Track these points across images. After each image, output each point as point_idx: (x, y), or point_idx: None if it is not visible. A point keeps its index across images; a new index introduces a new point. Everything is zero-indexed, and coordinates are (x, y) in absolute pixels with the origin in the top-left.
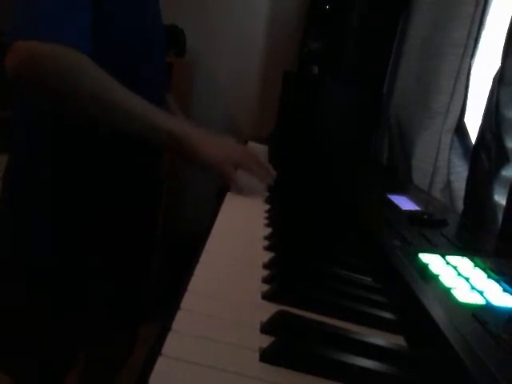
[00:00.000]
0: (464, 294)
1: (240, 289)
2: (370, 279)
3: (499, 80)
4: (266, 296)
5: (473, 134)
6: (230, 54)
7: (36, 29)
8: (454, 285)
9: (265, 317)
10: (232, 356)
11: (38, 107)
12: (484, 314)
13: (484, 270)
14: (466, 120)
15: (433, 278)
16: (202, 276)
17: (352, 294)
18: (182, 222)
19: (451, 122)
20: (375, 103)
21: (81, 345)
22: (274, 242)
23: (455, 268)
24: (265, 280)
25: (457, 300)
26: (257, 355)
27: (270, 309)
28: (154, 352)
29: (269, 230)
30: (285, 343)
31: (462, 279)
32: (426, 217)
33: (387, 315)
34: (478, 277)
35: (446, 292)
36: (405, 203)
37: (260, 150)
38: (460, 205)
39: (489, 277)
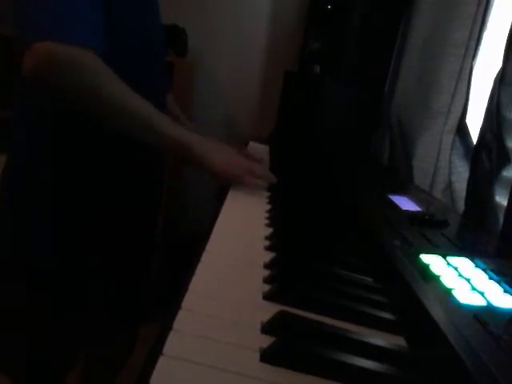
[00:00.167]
0: (465, 295)
1: (241, 289)
2: (370, 279)
3: (500, 80)
4: (267, 296)
5: (474, 134)
6: (231, 53)
7: (52, 30)
8: (454, 285)
9: (265, 317)
10: (232, 356)
11: (38, 107)
12: (485, 315)
13: (485, 270)
14: (467, 120)
15: (433, 279)
16: (203, 276)
17: (352, 294)
18: (182, 221)
19: (452, 122)
20: (375, 103)
21: (81, 345)
22: (275, 242)
23: (456, 269)
24: (265, 280)
25: (457, 301)
26: (257, 355)
27: (270, 309)
28: (155, 352)
29: (269, 230)
30: (285, 343)
31: (463, 280)
32: (426, 217)
33: (387, 315)
34: (479, 278)
35: (447, 293)
36: (405, 203)
37: (261, 149)
38: (461, 205)
39: (490, 278)
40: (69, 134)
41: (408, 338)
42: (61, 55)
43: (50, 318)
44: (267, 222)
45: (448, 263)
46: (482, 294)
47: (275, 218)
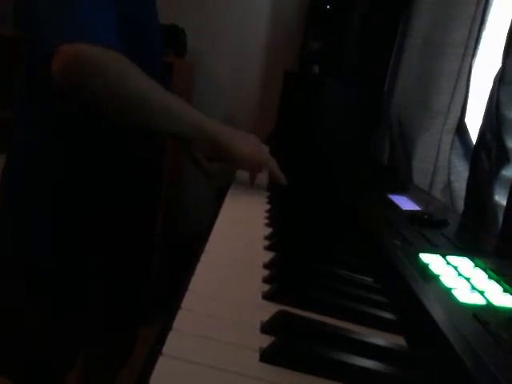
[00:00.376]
0: (464, 294)
1: (240, 289)
2: (370, 279)
3: (500, 80)
4: (267, 296)
5: (473, 134)
6: (231, 53)
7: (80, 32)
8: (454, 285)
9: (265, 317)
10: (232, 356)
11: (38, 107)
12: (484, 315)
13: (484, 270)
14: (466, 120)
15: (433, 278)
16: (203, 276)
17: (352, 294)
18: (182, 221)
19: (452, 122)
20: (375, 103)
21: (81, 345)
22: (275, 242)
23: (456, 268)
24: (265, 280)
25: (457, 300)
26: (257, 355)
27: (270, 309)
28: (155, 352)
29: (269, 230)
30: (285, 343)
31: (463, 279)
32: (426, 217)
33: (387, 315)
34: (479, 277)
35: (447, 292)
36: (405, 203)
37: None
38: (460, 205)
39: (489, 277)
40: (69, 134)
41: (408, 337)
42: (87, 56)
43: (49, 318)
44: (267, 221)
45: (448, 263)
46: (481, 293)
47: (275, 218)
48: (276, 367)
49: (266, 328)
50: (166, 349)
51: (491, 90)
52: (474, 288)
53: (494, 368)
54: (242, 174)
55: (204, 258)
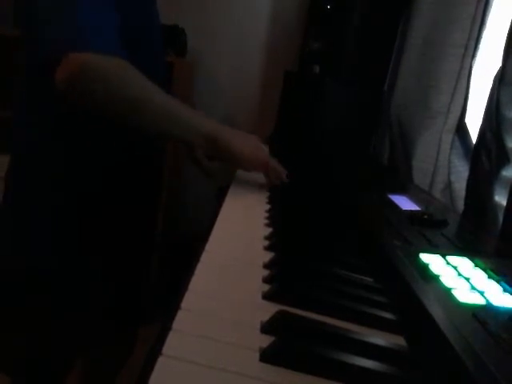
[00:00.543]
0: (464, 294)
1: (240, 289)
2: (370, 279)
3: (500, 80)
4: (267, 296)
5: (473, 134)
6: (231, 53)
7: (83, 40)
8: (454, 285)
9: (265, 317)
10: (232, 356)
11: (38, 107)
12: (484, 314)
13: (484, 270)
14: (466, 120)
15: (433, 278)
16: (203, 276)
17: (352, 294)
18: (182, 221)
19: (452, 122)
20: (375, 103)
21: (81, 345)
22: (275, 242)
23: (456, 268)
24: (265, 280)
25: (457, 300)
26: (257, 355)
27: (270, 309)
28: (155, 352)
29: (269, 230)
30: (285, 343)
31: (463, 279)
32: (426, 217)
33: (387, 315)
34: (479, 277)
35: (447, 292)
36: (405, 203)
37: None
38: (460, 205)
39: (489, 277)
40: (69, 134)
41: (408, 337)
42: (93, 64)
43: (49, 318)
44: (267, 221)
45: (447, 263)
46: (481, 293)
47: (275, 218)
48: (276, 367)
49: (266, 328)
50: (165, 349)
51: (491, 90)
52: (473, 288)
53: (494, 368)
54: (242, 174)
55: (204, 257)
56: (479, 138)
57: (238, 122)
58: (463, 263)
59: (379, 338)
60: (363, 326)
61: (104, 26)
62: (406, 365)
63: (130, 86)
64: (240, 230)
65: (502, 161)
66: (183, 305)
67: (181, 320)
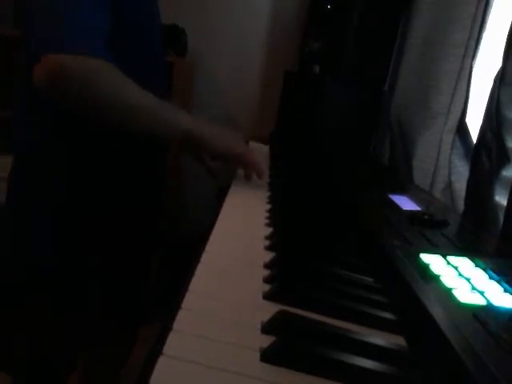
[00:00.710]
0: (465, 295)
1: (241, 289)
2: (370, 279)
3: (500, 80)
4: (267, 296)
5: (474, 134)
6: (231, 53)
7: (65, 42)
8: (454, 285)
9: (265, 317)
10: (233, 356)
11: (38, 107)
12: (485, 315)
13: (485, 270)
14: (467, 120)
15: (433, 279)
16: (203, 276)
17: (352, 294)
18: (182, 221)
19: (452, 122)
20: (375, 103)
21: (81, 345)
22: (275, 242)
23: (456, 268)
24: (266, 280)
25: (457, 300)
26: (257, 355)
27: (270, 309)
28: (155, 352)
29: (269, 230)
30: (285, 343)
31: (463, 279)
32: (426, 217)
33: (387, 315)
34: (479, 277)
35: (447, 292)
36: (405, 203)
37: (262, 149)
38: (461, 205)
39: (490, 277)
40: (69, 133)
41: (408, 337)
42: (75, 66)
43: (51, 317)
44: (267, 221)
45: (448, 263)
46: (481, 293)
47: (275, 218)
48: (276, 367)
49: (267, 328)
50: (166, 349)
51: (491, 91)
52: (474, 288)
53: (494, 368)
54: (243, 174)
55: (204, 258)
56: (479, 138)
57: (238, 122)
58: (464, 263)
59: (379, 338)
60: (363, 326)
61: (91, 27)
62: (406, 365)
63: (107, 86)
64: (240, 230)
65: (503, 161)
66: (184, 305)
67: (181, 320)
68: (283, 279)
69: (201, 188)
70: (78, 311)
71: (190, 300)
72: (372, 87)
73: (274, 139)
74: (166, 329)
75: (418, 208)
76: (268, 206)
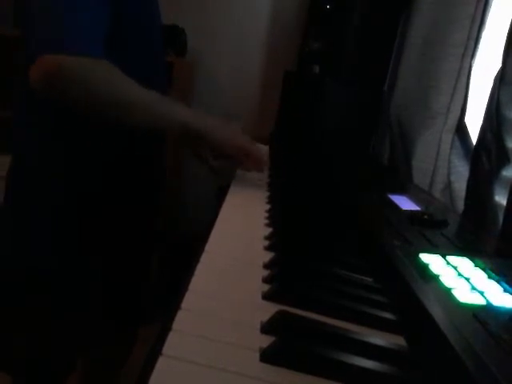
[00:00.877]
0: (464, 295)
1: (240, 289)
2: (370, 279)
3: (500, 80)
4: (267, 296)
5: (473, 134)
6: (231, 53)
7: (63, 42)
8: (454, 285)
9: (265, 317)
10: (232, 356)
11: (38, 107)
12: (484, 315)
13: (484, 270)
14: (466, 120)
15: (433, 278)
16: (203, 276)
17: (352, 294)
18: (182, 221)
19: (452, 122)
20: (375, 103)
21: (81, 345)
22: (275, 242)
23: (456, 268)
24: (265, 280)
25: (457, 300)
26: (257, 355)
27: (270, 309)
28: (155, 352)
29: (269, 230)
30: (285, 343)
31: (463, 279)
32: (426, 217)
33: (387, 315)
34: (479, 277)
35: (447, 292)
36: (405, 203)
37: (262, 149)
38: (460, 205)
39: (489, 277)
40: (69, 133)
41: (408, 337)
42: (73, 66)
43: (49, 318)
44: (267, 221)
45: (447, 263)
46: (481, 293)
47: (275, 218)
48: (276, 367)
49: (266, 328)
50: (165, 349)
51: (491, 90)
52: (473, 288)
53: (494, 368)
54: (243, 174)
55: (204, 258)
56: (479, 138)
57: (238, 122)
58: (463, 263)
59: (379, 338)
60: (363, 326)
61: (90, 27)
62: (406, 365)
63: (105, 86)
64: (240, 230)
65: (502, 161)
66: (183, 305)
67: (181, 320)
68: (283, 279)
69: (201, 188)
70: (78, 311)
71: (189, 300)
72: (372, 87)
73: (273, 139)
74: (165, 329)
75: (417, 208)
76: (268, 206)
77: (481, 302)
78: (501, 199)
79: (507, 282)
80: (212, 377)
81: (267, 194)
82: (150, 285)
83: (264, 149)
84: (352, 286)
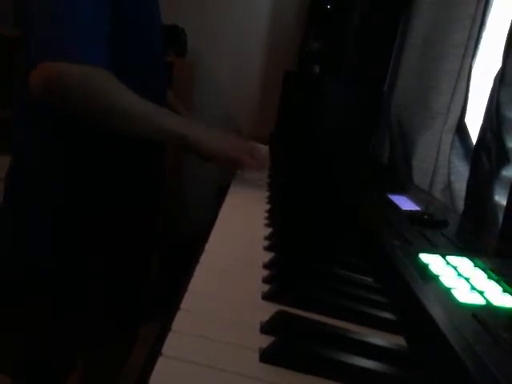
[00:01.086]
0: (464, 295)
1: (240, 289)
2: (370, 279)
3: (500, 80)
4: (266, 296)
5: (474, 134)
6: (231, 53)
7: (63, 48)
8: (454, 285)
9: (265, 317)
10: (232, 356)
11: (38, 107)
12: (484, 315)
13: (484, 270)
14: (466, 120)
15: (433, 279)
16: (202, 276)
17: (352, 294)
18: (182, 221)
19: (452, 122)
20: (375, 103)
21: (81, 345)
22: (274, 242)
23: (455, 268)
24: (265, 280)
25: (457, 300)
26: (257, 355)
27: (269, 309)
28: (154, 352)
29: (269, 230)
30: (285, 343)
31: (463, 279)
32: (426, 217)
33: (387, 315)
34: (479, 277)
35: (446, 292)
36: (405, 203)
37: (263, 149)
38: (460, 205)
39: (489, 277)
40: (69, 133)
41: (408, 337)
42: (73, 74)
43: (49, 318)
44: (267, 221)
45: (447, 263)
46: (481, 293)
47: (275, 218)
48: (276, 367)
49: (266, 328)
50: (165, 349)
51: (491, 91)
52: (473, 288)
53: (494, 368)
54: (242, 174)
55: (204, 258)
56: (479, 138)
57: (238, 122)
58: (463, 263)
59: (379, 338)
60: (363, 326)
61: (90, 32)
62: (406, 365)
63: (104, 94)
64: (240, 230)
65: (502, 161)
66: (183, 305)
67: (180, 320)
68: (282, 279)
69: (201, 188)
70: (78, 312)
71: (189, 300)
72: (372, 87)
73: (274, 139)
74: (165, 329)
75: (417, 208)
76: (267, 206)
77: (480, 302)
78: (501, 199)
79: (507, 282)
80: (212, 377)
81: (267, 194)
82: (149, 285)
83: (265, 149)
84: (352, 286)
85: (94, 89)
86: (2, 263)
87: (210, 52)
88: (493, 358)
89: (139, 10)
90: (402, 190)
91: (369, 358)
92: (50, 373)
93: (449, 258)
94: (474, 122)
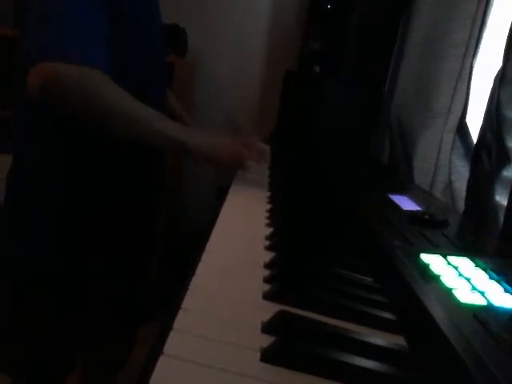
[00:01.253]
0: (465, 295)
1: (241, 288)
2: (370, 279)
3: (500, 80)
4: (267, 296)
5: (474, 134)
6: (231, 53)
7: (61, 50)
8: (454, 285)
9: (266, 317)
10: (233, 356)
11: (38, 107)
12: (485, 315)
13: (485, 270)
14: (467, 120)
15: (434, 279)
16: (203, 275)
17: (352, 294)
18: (182, 221)
19: (452, 122)
20: (375, 103)
21: (81, 345)
22: (275, 242)
23: (456, 268)
24: (266, 280)
25: (458, 300)
26: (257, 355)
27: (270, 309)
28: (155, 351)
29: (270, 230)
30: (285, 343)
31: (463, 279)
32: (427, 217)
33: (388, 315)
34: (479, 277)
35: (447, 292)
36: (406, 203)
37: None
38: (461, 205)
39: (490, 277)
40: (69, 133)
41: (408, 337)
42: (70, 75)
43: (49, 318)
44: (267, 221)
45: (448, 263)
46: (482, 293)
47: (275, 218)
48: (276, 367)
49: (267, 328)
50: (166, 348)
51: (492, 90)
52: (474, 288)
53: (494, 368)
54: (243, 174)
55: (205, 257)
56: (480, 137)
57: (238, 122)
58: (464, 263)
59: (379, 338)
60: (363, 326)
61: (89, 33)
62: (406, 365)
63: (102, 96)
64: (241, 230)
65: (503, 161)
66: (184, 305)
67: (181, 320)
68: (283, 279)
69: (201, 188)
70: (78, 311)
71: (190, 300)
72: (372, 87)
73: (273, 139)
74: (166, 328)
75: (418, 208)
76: (268, 206)
77: (481, 302)
78: (501, 199)
79: (508, 282)
80: (212, 376)
81: (268, 193)
82: (149, 285)
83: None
84: (352, 286)
85: (91, 90)
86: (2, 263)
87: (210, 52)
88: (493, 358)
89: (139, 10)
90: (402, 190)
91: (369, 357)
92: (50, 373)
93: (450, 258)
94: (475, 121)
